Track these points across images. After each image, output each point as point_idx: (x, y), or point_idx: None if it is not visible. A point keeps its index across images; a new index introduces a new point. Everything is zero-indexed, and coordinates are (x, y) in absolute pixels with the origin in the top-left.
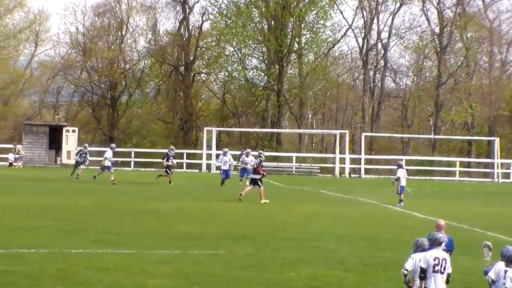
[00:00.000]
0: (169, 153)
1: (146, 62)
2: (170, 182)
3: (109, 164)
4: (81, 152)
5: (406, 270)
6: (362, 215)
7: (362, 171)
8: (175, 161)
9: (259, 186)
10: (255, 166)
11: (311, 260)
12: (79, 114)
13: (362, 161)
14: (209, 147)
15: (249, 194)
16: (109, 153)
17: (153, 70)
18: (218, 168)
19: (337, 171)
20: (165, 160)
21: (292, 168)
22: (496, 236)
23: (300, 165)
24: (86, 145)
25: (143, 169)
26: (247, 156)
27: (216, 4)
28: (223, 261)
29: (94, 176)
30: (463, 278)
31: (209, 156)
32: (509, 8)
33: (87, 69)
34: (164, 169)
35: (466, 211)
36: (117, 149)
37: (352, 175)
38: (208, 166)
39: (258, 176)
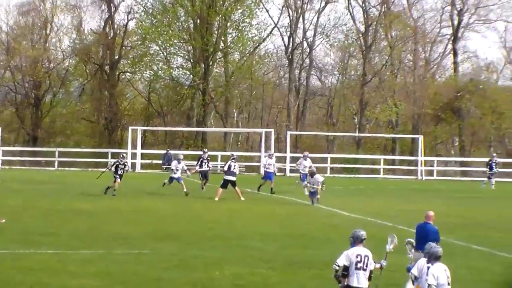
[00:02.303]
0: (202, 156)
1: (70, 61)
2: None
3: (177, 175)
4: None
5: (338, 265)
6: (288, 214)
7: (288, 169)
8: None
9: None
10: (225, 169)
11: (236, 258)
12: (2, 114)
13: (288, 160)
14: (134, 146)
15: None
16: (175, 164)
17: (78, 69)
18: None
19: (262, 170)
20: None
21: (217, 167)
22: None
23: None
24: (124, 154)
25: (67, 168)
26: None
27: (141, 3)
28: (148, 261)
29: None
30: (386, 275)
31: (134, 156)
32: (433, 7)
33: (10, 69)
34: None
35: (390, 209)
36: (40, 149)
37: (277, 174)
38: (133, 165)
39: (233, 178)
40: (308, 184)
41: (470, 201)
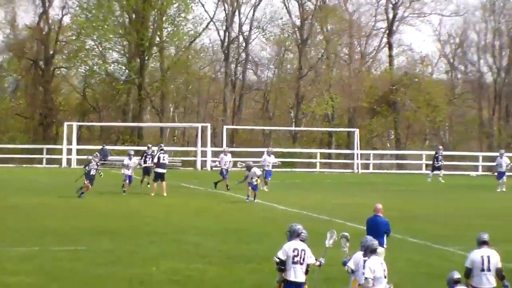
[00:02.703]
0: (146, 152)
1: (4, 56)
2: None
3: (129, 172)
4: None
5: (279, 258)
6: (226, 208)
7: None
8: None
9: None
10: (155, 161)
11: (173, 254)
12: None
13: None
14: (69, 142)
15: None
16: (127, 160)
17: (12, 65)
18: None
19: (199, 165)
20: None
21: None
22: (355, 226)
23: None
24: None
25: (2, 165)
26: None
27: None
28: (84, 257)
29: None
30: (323, 269)
31: (69, 151)
32: (369, 1)
33: None
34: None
35: (327, 202)
36: None
37: (214, 168)
38: (69, 161)
39: (163, 171)
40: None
41: (406, 194)
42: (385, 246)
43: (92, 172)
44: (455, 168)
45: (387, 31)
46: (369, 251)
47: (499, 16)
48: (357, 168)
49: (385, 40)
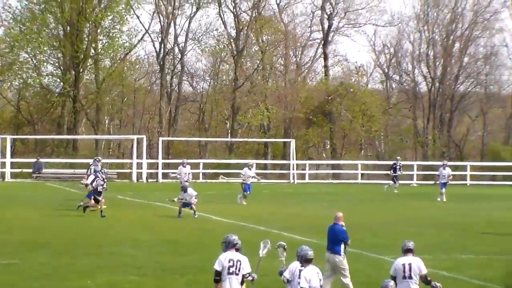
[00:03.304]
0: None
1: None
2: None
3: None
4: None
5: (215, 269)
6: (161, 220)
7: (160, 176)
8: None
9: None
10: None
11: (109, 266)
12: None
13: (160, 166)
14: (3, 155)
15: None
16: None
17: None
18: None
19: (134, 176)
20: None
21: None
22: (291, 236)
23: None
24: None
25: None
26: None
27: (10, 10)
28: (19, 271)
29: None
30: (259, 280)
31: (3, 165)
32: (304, 12)
33: None
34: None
35: (263, 213)
36: None
37: (149, 180)
38: (3, 175)
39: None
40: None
41: (342, 203)
42: (342, 254)
43: (99, 189)
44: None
45: (323, 42)
46: (304, 261)
47: (433, 26)
48: (293, 178)
49: (320, 50)
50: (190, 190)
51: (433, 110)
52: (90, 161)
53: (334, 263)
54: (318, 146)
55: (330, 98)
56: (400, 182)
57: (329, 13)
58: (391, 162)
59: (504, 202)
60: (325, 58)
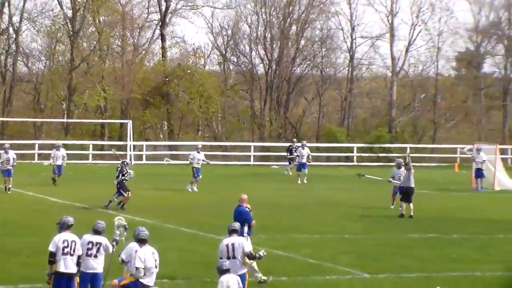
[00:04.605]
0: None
1: None
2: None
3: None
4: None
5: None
6: None
7: None
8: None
9: None
10: None
11: None
12: None
13: None
14: None
15: None
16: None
17: None
18: None
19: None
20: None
21: None
22: (127, 217)
23: None
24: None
25: None
26: None
27: None
28: None
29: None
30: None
31: None
32: None
33: None
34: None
35: (99, 194)
36: None
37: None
38: None
39: None
40: None
41: (179, 184)
42: (245, 235)
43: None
44: (228, 158)
45: (160, 23)
46: (139, 241)
47: (270, 9)
48: (130, 159)
49: (158, 32)
50: None
51: (270, 92)
52: None
53: None
54: (156, 127)
55: (167, 79)
56: (239, 163)
57: None
58: (227, 143)
59: (338, 183)
60: (163, 39)
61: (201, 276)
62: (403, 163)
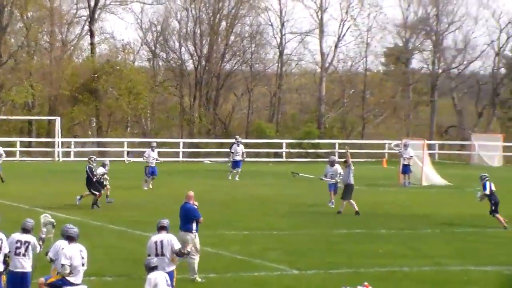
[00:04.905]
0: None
1: None
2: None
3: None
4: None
5: None
6: None
7: None
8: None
9: None
10: None
11: None
12: None
13: None
14: None
15: None
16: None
17: None
18: None
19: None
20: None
21: None
22: (55, 214)
23: None
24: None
25: None
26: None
27: None
28: None
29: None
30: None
31: None
32: None
33: None
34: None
35: (27, 191)
36: None
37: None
38: None
39: None
40: None
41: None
42: (194, 231)
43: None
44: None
45: (89, 19)
46: (66, 238)
47: (200, 4)
48: (58, 156)
49: (87, 28)
50: None
51: (199, 88)
52: None
53: (187, 241)
54: (84, 124)
55: (96, 75)
56: (167, 159)
57: None
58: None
59: (267, 179)
60: (92, 35)
61: (129, 273)
62: (336, 161)
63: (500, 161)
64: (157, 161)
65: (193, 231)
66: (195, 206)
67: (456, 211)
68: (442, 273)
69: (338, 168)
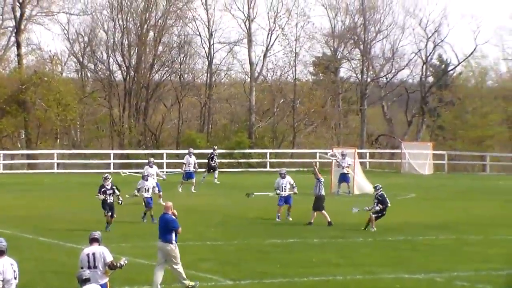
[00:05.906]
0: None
1: None
2: None
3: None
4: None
5: None
6: None
7: None
8: None
9: None
10: None
11: None
12: None
13: None
14: None
15: None
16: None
17: None
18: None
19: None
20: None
21: None
22: None
23: None
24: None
25: None
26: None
27: None
28: None
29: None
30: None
31: None
32: None
33: None
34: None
35: None
36: None
37: None
38: None
39: None
40: None
41: (36, 193)
42: (173, 242)
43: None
44: (88, 166)
45: (15, 30)
46: None
47: (127, 15)
48: None
49: (13, 39)
50: None
51: (128, 98)
52: None
53: (166, 252)
54: (13, 136)
55: (24, 87)
56: (97, 171)
57: (21, 1)
58: (87, 151)
59: (199, 189)
60: (18, 46)
61: (62, 286)
62: (285, 174)
63: (430, 169)
64: (159, 178)
65: (173, 241)
66: (174, 217)
67: (388, 220)
68: (375, 281)
69: (290, 179)
